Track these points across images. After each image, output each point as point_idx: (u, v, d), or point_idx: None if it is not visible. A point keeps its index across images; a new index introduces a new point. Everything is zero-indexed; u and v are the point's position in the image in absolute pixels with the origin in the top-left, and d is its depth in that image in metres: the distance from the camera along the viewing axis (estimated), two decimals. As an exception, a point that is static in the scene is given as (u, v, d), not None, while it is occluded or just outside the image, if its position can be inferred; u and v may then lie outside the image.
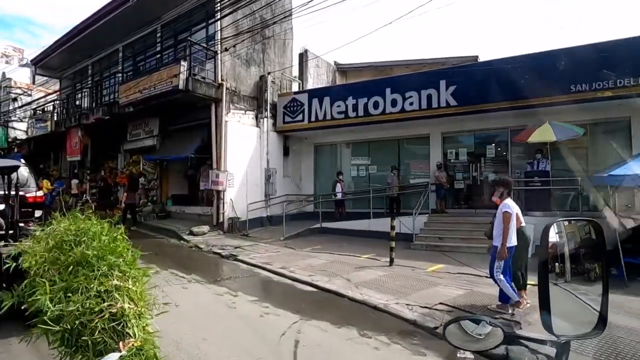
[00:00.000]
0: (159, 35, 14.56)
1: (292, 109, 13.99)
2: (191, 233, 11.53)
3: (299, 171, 15.51)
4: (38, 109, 20.15)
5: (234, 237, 11.87)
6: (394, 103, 12.12)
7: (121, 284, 2.54)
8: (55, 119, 18.20)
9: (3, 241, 4.70)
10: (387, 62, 17.81)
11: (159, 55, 13.65)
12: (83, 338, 2.26)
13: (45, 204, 9.97)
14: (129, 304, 2.43)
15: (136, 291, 2.57)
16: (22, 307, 2.76)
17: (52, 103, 18.69)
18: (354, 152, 14.85)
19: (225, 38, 12.15)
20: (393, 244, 8.19)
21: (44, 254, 2.89)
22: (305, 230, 12.42)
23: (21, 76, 27.14)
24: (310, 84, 16.18)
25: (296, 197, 15.01)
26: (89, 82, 17.75)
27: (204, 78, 11.99)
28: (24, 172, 8.04)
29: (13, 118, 23.13)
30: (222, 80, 12.42)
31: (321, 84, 16.64)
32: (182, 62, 11.27)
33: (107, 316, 2.32)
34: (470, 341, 1.41)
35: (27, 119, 20.96)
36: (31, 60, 20.31)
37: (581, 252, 1.56)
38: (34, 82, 24.31)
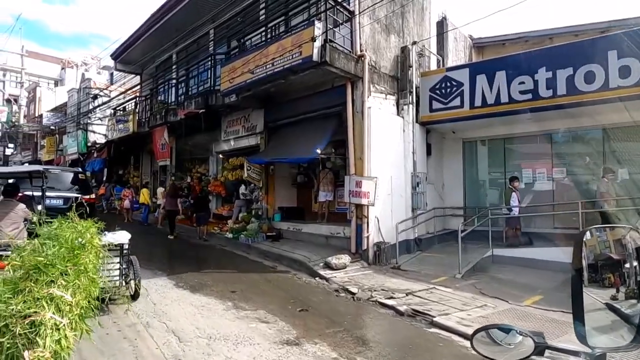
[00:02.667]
0: (262, 5, 11.46)
1: (443, 91, 10.20)
2: (327, 266, 8.11)
3: (441, 176, 11.68)
4: (118, 108, 18.10)
5: (385, 271, 8.30)
6: (625, 73, 7.95)
7: (57, 292, 2.60)
8: (137, 118, 15.86)
9: None
10: (543, 31, 13.50)
11: (265, 30, 10.42)
12: (7, 335, 2.33)
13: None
14: (53, 313, 2.49)
15: (71, 302, 2.65)
16: None
17: (134, 100, 16.41)
18: (527, 150, 10.74)
19: (366, -8, 8.68)
20: None
21: (21, 256, 3.00)
22: (479, 260, 8.59)
23: (100, 81, 25.98)
24: (450, 62, 12.32)
25: (442, 211, 11.20)
26: (174, 74, 15.17)
27: (341, 47, 8.57)
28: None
29: (93, 120, 21.50)
30: (361, 50, 8.94)
31: (459, 62, 12.73)
32: (317, 24, 7.90)
33: (27, 322, 2.36)
34: (499, 351, 1.35)
35: (106, 119, 19.04)
36: (111, 55, 18.36)
37: (618, 260, 1.39)
38: (112, 83, 22.66)
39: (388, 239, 8.87)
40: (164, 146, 14.38)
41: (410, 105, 10.02)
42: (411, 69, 10.04)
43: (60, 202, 8.98)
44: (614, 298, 1.36)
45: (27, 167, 10.49)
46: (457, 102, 9.98)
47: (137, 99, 16.35)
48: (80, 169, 14.61)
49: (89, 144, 22.68)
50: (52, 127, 32.18)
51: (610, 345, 1.25)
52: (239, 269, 8.47)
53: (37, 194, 6.79)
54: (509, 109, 9.28)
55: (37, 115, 36.23)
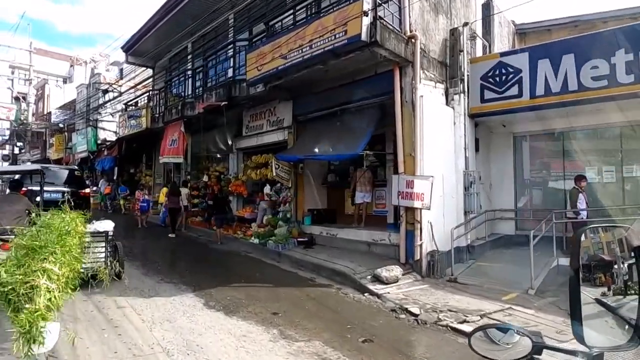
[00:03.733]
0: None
1: (497, 79, 9.02)
2: (377, 279, 6.98)
3: (488, 174, 10.49)
4: (130, 103, 17.10)
5: (442, 285, 7.16)
6: None
7: (48, 266, 3.61)
8: (150, 113, 14.84)
9: None
10: (595, 14, 12.25)
11: (296, 10, 9.29)
12: (9, 297, 3.39)
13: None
14: (46, 281, 3.50)
15: (58, 273, 3.65)
16: None
17: (147, 95, 15.39)
18: (592, 145, 9.53)
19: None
20: None
21: (21, 241, 3.91)
22: (547, 273, 7.45)
23: (110, 77, 25.02)
24: (496, 48, 11.13)
25: (492, 214, 10.03)
26: (190, 65, 14.12)
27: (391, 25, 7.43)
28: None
29: (103, 117, 20.58)
30: (411, 30, 7.80)
31: (504, 49, 11.52)
32: (366, -3, 6.76)
33: (27, 286, 3.40)
34: (497, 350, 1.35)
35: (117, 114, 18.08)
36: (122, 47, 17.35)
37: (615, 260, 1.43)
38: (121, 78, 21.68)
39: (441, 247, 7.74)
40: (175, 142, 13.32)
41: (462, 95, 8.86)
42: (462, 53, 8.87)
43: (58, 195, 9.78)
44: (611, 298, 1.36)
45: (27, 167, 12.86)
46: (514, 91, 8.81)
47: (150, 93, 15.32)
48: (76, 167, 16.27)
49: (99, 142, 21.76)
50: (60, 125, 31.41)
51: (607, 345, 1.26)
52: (274, 282, 7.38)
53: (37, 188, 7.65)
54: (579, 97, 8.08)
55: (45, 112, 35.51)
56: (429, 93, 8.14)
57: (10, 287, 3.40)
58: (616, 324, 1.33)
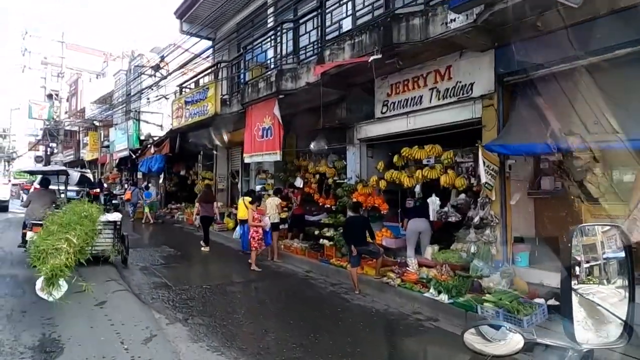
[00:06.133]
0: None
1: None
2: None
3: None
4: (186, 85, 13.08)
5: None
6: None
7: (69, 237, 5.29)
8: (220, 93, 10.70)
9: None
10: None
11: None
12: (40, 255, 4.99)
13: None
14: (66, 246, 5.16)
15: (74, 242, 5.29)
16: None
17: (215, 67, 11.26)
18: None
19: None
20: None
21: (52, 218, 5.99)
22: None
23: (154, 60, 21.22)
24: None
25: None
26: (272, 22, 9.86)
27: None
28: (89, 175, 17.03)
29: (147, 106, 16.75)
30: None
31: None
32: None
33: (53, 247, 5.05)
34: (489, 347, 1.37)
35: (166, 101, 14.13)
36: (174, 12, 13.34)
37: (606, 259, 1.44)
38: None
39: None
40: (267, 132, 9.10)
41: None
42: None
43: (73, 193, 11.59)
44: (601, 295, 1.37)
45: (50, 168, 15.98)
46: None
47: (218, 65, 11.18)
48: (87, 171, 19.37)
49: (142, 137, 17.99)
50: (96, 123, 28.18)
51: (598, 342, 1.30)
52: None
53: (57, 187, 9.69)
54: None
55: (78, 109, 32.46)
56: None
57: (44, 247, 5.06)
58: (606, 321, 1.33)
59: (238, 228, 10.09)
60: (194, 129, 12.98)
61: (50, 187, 8.81)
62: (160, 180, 17.26)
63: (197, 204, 11.26)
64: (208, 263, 9.42)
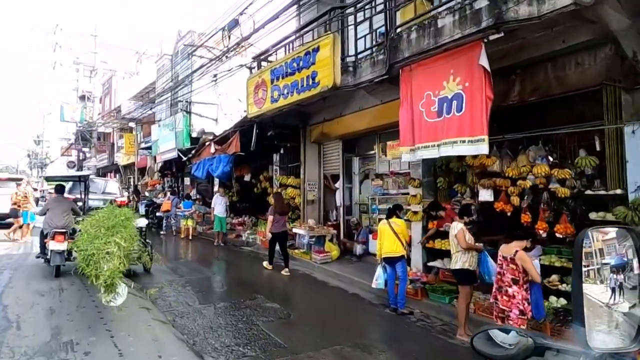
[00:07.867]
0: None
1: None
2: None
3: None
4: (264, 55, 9.28)
5: None
6: None
7: (117, 240, 4.94)
8: (340, 55, 6.81)
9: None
10: None
11: None
12: (90, 260, 4.70)
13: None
14: (117, 249, 4.83)
15: (123, 245, 4.97)
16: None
17: (329, 14, 7.32)
18: None
19: None
20: None
21: (90, 222, 5.53)
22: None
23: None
24: None
25: None
26: None
27: None
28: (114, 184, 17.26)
29: (198, 97, 13.22)
30: None
31: None
32: None
33: (104, 252, 4.73)
34: (499, 351, 1.33)
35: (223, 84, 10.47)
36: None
37: (618, 262, 1.36)
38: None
39: None
40: (456, 103, 5.06)
41: None
42: None
43: (100, 202, 11.10)
44: (614, 299, 1.30)
45: (73, 174, 16.20)
46: None
47: (331, 13, 7.29)
48: (115, 179, 21.95)
49: (194, 135, 14.39)
50: (131, 125, 25.13)
51: (610, 346, 1.24)
52: None
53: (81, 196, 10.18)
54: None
55: (113, 108, 29.57)
56: None
57: (90, 252, 4.73)
58: (619, 326, 1.28)
59: (380, 270, 6.14)
60: (278, 117, 9.19)
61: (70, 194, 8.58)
62: (233, 188, 13.78)
63: (270, 217, 8.46)
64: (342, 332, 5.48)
